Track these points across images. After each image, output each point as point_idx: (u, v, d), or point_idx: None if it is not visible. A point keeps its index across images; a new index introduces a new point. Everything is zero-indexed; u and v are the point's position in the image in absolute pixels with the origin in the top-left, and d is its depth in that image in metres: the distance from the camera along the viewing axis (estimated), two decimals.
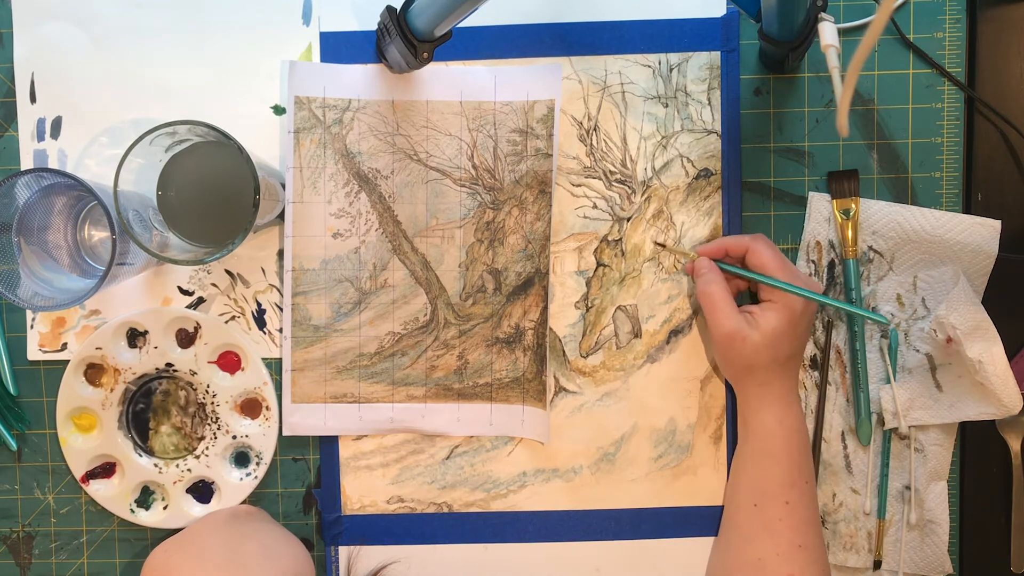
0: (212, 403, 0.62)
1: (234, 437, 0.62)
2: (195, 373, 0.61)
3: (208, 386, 0.62)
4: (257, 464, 0.62)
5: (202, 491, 0.63)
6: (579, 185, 0.62)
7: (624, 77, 0.62)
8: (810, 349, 0.63)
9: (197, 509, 0.62)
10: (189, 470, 0.62)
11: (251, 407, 0.62)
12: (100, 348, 0.60)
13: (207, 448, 0.62)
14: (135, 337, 0.61)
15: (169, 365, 0.61)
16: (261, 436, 0.62)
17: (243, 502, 0.62)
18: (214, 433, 0.62)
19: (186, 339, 0.61)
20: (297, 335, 0.62)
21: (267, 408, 0.62)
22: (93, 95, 0.62)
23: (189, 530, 0.57)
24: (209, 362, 0.61)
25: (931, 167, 0.62)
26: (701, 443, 0.63)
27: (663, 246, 0.61)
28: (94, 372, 0.61)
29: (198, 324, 0.61)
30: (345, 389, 0.62)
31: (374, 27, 0.60)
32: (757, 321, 0.57)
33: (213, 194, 0.56)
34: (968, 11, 0.62)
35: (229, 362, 0.62)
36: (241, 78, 0.62)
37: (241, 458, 0.62)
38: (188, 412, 0.63)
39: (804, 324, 0.58)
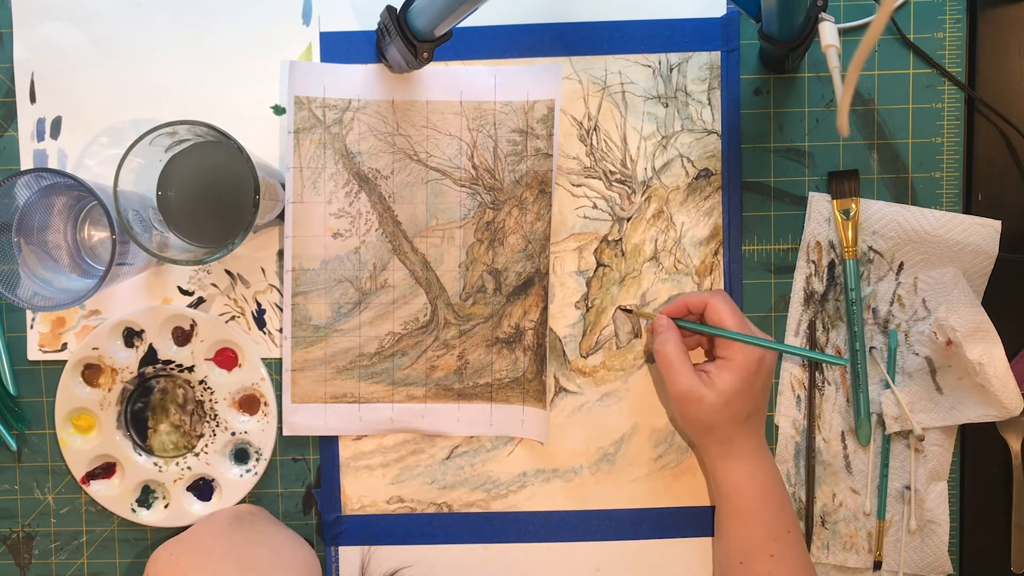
0: (210, 400, 0.62)
1: (233, 434, 0.62)
2: (192, 370, 0.61)
3: (206, 383, 0.62)
4: (257, 460, 0.62)
5: (203, 489, 0.63)
6: (579, 185, 0.62)
7: (624, 77, 0.62)
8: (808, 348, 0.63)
9: (198, 507, 0.62)
10: (189, 468, 0.62)
11: (249, 403, 0.62)
12: (97, 348, 0.60)
13: (206, 445, 0.62)
14: (132, 336, 0.61)
15: (167, 362, 0.61)
16: (260, 432, 0.62)
17: (243, 499, 0.63)
18: (213, 430, 0.62)
19: (182, 337, 0.62)
20: (297, 335, 0.62)
21: (265, 404, 0.62)
22: (93, 95, 0.62)
23: (193, 531, 0.57)
24: (206, 359, 0.61)
25: (931, 167, 0.62)
26: None
27: (629, 311, 0.62)
28: (92, 372, 0.61)
29: (194, 322, 0.61)
30: (345, 389, 0.62)
31: (374, 27, 0.60)
32: (712, 380, 0.56)
33: (213, 194, 0.56)
34: (968, 11, 0.62)
35: (226, 359, 0.62)
36: (241, 78, 0.62)
37: (241, 455, 0.62)
38: (187, 410, 0.63)
39: (761, 381, 0.56)
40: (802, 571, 0.57)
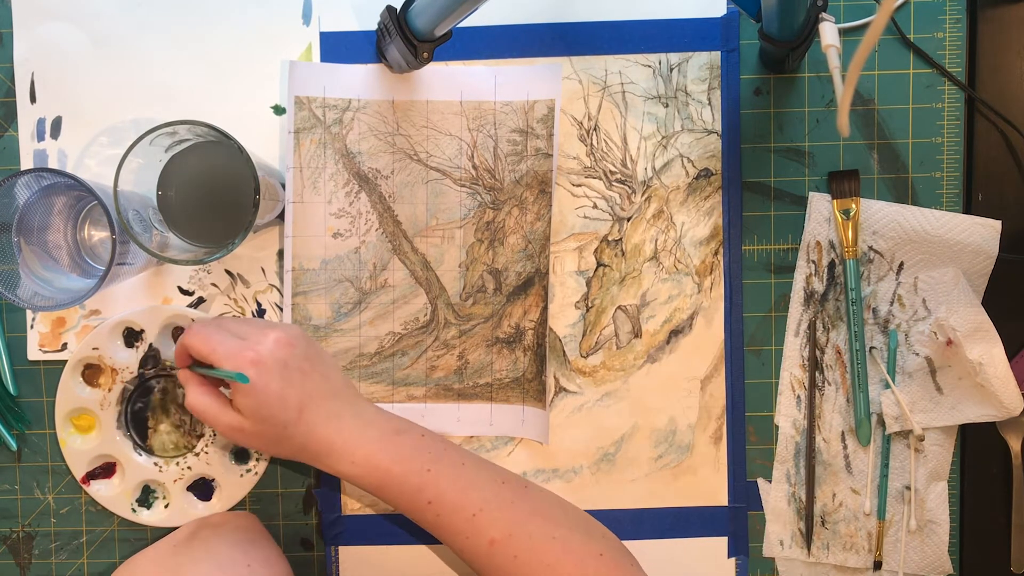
0: None
1: None
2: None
3: None
4: (257, 460, 0.62)
5: (203, 489, 0.62)
6: (579, 185, 0.62)
7: (624, 77, 0.62)
8: (808, 349, 0.63)
9: (199, 507, 0.62)
10: (189, 468, 0.62)
11: None
12: (97, 348, 0.60)
13: (207, 445, 0.62)
14: (132, 336, 0.61)
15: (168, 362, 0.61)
16: None
17: (243, 499, 0.63)
18: (213, 430, 0.62)
19: None
20: None
21: None
22: (93, 95, 0.62)
23: (139, 556, 0.57)
24: None
25: (931, 167, 0.62)
26: (701, 443, 0.63)
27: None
28: (92, 372, 0.61)
29: (194, 322, 0.61)
30: None
31: (374, 27, 0.60)
32: (235, 406, 0.52)
33: (213, 194, 0.56)
34: (968, 11, 0.62)
35: None
36: (241, 78, 0.62)
37: (241, 454, 0.62)
38: (187, 410, 0.62)
39: (273, 377, 0.51)
40: (532, 511, 0.53)
